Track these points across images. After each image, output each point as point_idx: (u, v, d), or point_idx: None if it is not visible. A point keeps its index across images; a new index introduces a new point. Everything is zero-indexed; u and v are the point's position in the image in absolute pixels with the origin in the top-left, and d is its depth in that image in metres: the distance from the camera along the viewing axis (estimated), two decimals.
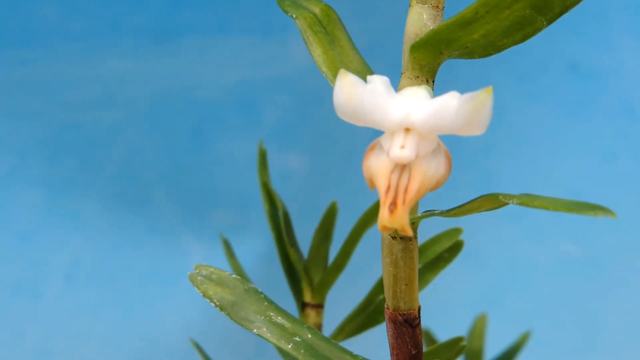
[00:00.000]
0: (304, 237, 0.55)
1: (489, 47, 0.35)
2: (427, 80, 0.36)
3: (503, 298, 0.85)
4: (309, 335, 0.41)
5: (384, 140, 0.32)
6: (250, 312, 0.40)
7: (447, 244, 0.46)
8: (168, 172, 0.82)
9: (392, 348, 0.38)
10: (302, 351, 0.40)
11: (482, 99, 0.31)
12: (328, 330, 0.50)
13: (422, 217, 0.35)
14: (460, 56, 0.36)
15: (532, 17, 0.33)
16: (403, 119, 0.31)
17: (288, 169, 0.83)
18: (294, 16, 0.38)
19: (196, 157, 0.83)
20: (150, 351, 0.84)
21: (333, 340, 0.41)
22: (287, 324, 0.41)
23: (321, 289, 0.48)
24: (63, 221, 0.81)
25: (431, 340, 0.64)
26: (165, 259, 0.83)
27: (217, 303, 0.40)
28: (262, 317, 0.40)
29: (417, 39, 0.35)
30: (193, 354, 0.79)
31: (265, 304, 0.41)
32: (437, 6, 0.36)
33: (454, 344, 0.46)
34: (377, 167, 0.32)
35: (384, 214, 0.31)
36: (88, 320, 0.82)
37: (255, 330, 0.40)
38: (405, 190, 0.32)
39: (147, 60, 0.81)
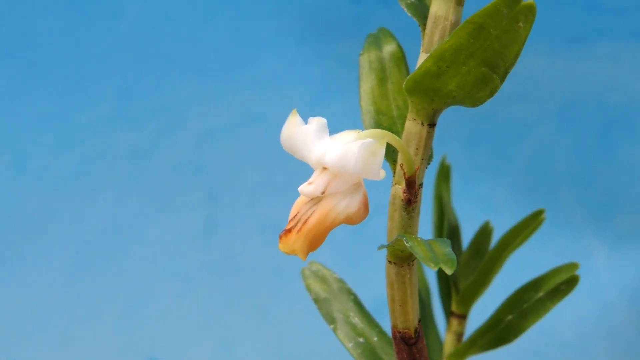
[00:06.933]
0: None
1: (473, 99, 0.36)
2: (423, 123, 0.38)
3: None
4: (375, 339, 0.45)
5: None
6: (335, 309, 0.46)
7: (564, 276, 0.46)
8: (574, 171, 0.84)
9: None
10: (359, 351, 0.45)
11: (372, 149, 0.34)
12: None
13: (382, 247, 0.38)
14: (455, 103, 0.37)
15: (489, 74, 0.35)
16: (319, 159, 0.36)
17: None
18: (361, 52, 0.42)
19: (602, 160, 0.83)
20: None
21: None
22: (360, 325, 0.45)
23: (464, 301, 0.50)
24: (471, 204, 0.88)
25: None
26: (567, 255, 0.85)
27: (313, 297, 0.47)
28: (342, 316, 0.46)
29: (406, 84, 0.37)
30: (586, 353, 0.82)
31: (350, 304, 0.46)
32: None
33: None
34: (299, 197, 0.37)
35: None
36: None
37: (331, 326, 0.45)
38: (305, 221, 0.36)
39: (560, 61, 0.83)
